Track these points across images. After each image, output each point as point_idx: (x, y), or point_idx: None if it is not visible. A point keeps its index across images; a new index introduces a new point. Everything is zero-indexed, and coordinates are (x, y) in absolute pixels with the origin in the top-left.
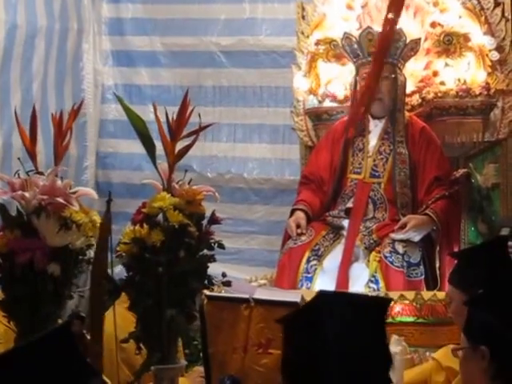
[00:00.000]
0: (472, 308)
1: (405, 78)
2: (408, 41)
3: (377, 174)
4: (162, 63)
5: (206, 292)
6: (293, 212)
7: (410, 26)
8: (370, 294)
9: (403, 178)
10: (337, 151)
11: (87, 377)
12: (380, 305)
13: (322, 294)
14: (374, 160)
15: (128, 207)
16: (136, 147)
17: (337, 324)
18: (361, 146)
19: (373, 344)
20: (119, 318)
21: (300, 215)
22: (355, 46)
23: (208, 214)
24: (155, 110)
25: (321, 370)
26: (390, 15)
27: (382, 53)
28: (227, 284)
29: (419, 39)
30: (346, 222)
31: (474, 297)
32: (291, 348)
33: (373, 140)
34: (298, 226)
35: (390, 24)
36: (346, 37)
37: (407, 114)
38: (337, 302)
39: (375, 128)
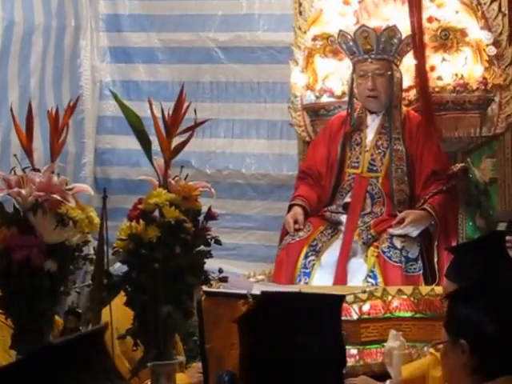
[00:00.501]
0: (452, 302)
1: (401, 75)
2: (403, 37)
3: (374, 168)
4: (159, 59)
5: (204, 288)
6: (290, 207)
7: (406, 21)
8: (368, 288)
9: (400, 175)
10: (334, 146)
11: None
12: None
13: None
14: (372, 154)
15: (126, 203)
16: (134, 143)
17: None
18: (358, 141)
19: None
20: (119, 311)
21: (298, 211)
22: (351, 43)
23: (205, 209)
24: (151, 105)
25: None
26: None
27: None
28: (224, 280)
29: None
30: (343, 218)
31: (454, 291)
32: (246, 348)
33: (370, 134)
34: (296, 222)
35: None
36: (342, 34)
37: (404, 108)
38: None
39: (372, 122)
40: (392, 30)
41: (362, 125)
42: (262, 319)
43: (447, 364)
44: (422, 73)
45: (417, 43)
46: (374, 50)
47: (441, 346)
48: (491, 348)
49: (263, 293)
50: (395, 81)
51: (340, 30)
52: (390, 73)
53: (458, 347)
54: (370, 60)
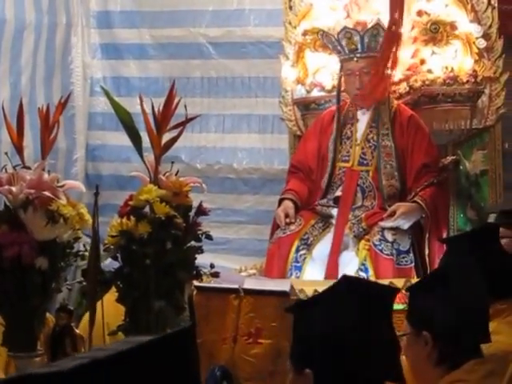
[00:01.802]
0: (413, 294)
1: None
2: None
3: (365, 161)
4: (150, 55)
5: (195, 282)
6: (281, 201)
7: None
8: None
9: (389, 171)
10: (325, 140)
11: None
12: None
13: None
14: (363, 148)
15: (118, 199)
16: (125, 139)
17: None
18: (349, 134)
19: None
20: (112, 307)
21: (288, 204)
22: (335, 43)
23: (197, 204)
24: (141, 102)
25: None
26: (396, 15)
27: (387, 53)
28: (215, 275)
29: None
30: (334, 211)
31: (415, 283)
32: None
33: (361, 128)
34: (287, 216)
35: (396, 24)
36: (325, 35)
37: (395, 102)
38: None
39: (363, 116)
40: (375, 28)
41: (352, 119)
42: (340, 301)
43: (412, 356)
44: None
45: (391, 36)
46: (359, 49)
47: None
48: (453, 337)
49: (344, 276)
50: None
51: (323, 31)
52: None
53: (421, 339)
54: (355, 59)
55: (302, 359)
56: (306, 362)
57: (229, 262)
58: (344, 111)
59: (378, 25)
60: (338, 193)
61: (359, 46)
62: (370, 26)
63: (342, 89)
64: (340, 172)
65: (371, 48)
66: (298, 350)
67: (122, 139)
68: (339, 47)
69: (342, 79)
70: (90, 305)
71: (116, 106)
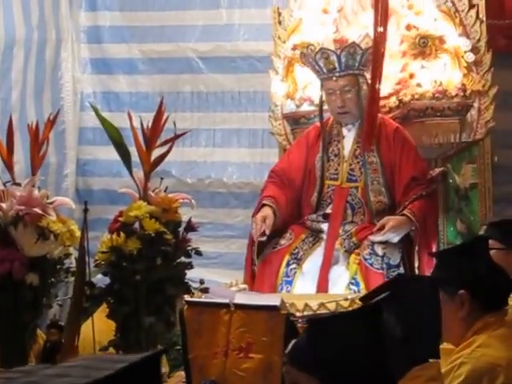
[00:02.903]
0: (444, 260)
1: (368, 86)
2: (368, 46)
3: (354, 178)
4: (140, 70)
5: (186, 297)
6: (259, 206)
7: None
8: (350, 296)
9: (377, 187)
10: (311, 156)
11: None
12: None
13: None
14: (351, 164)
15: (108, 214)
16: (115, 154)
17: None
18: (336, 152)
19: None
20: (102, 323)
21: (268, 213)
22: (313, 63)
23: (186, 218)
24: (130, 118)
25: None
26: (380, 29)
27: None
28: (204, 291)
29: None
30: (325, 226)
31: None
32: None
33: (347, 145)
34: (264, 220)
35: (381, 39)
36: (303, 55)
37: (379, 115)
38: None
39: (349, 133)
40: (352, 47)
41: (338, 135)
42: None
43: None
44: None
45: (376, 53)
46: (337, 68)
47: None
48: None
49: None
50: (362, 94)
51: (301, 52)
52: (356, 88)
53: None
54: (334, 78)
55: None
56: None
57: (220, 276)
58: (328, 127)
59: (354, 43)
60: (328, 210)
61: (337, 66)
62: (345, 45)
63: (325, 108)
64: (329, 190)
65: (349, 66)
66: None
67: (113, 154)
68: (317, 67)
69: (324, 98)
70: (71, 318)
71: (105, 122)
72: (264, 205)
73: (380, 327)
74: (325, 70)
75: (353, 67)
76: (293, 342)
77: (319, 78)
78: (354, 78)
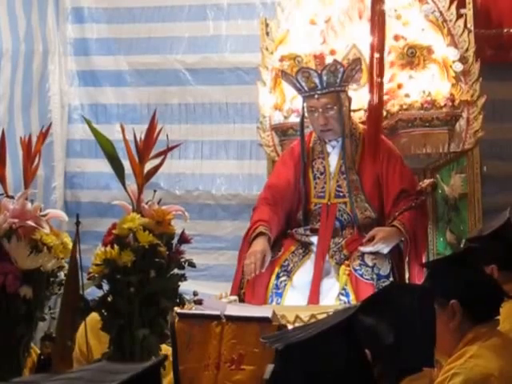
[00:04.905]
0: (435, 272)
1: (350, 101)
2: (350, 62)
3: (341, 194)
4: (127, 82)
5: (177, 310)
6: (253, 232)
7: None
8: (340, 306)
9: (360, 204)
10: (298, 172)
11: None
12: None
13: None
14: (337, 181)
15: (97, 226)
16: (103, 166)
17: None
18: (322, 170)
19: None
20: (96, 334)
21: (267, 248)
22: (295, 82)
23: (177, 231)
24: (123, 131)
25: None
26: (378, 79)
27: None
28: (198, 302)
29: (358, 58)
30: (314, 239)
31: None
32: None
33: (333, 162)
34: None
35: (378, 88)
36: (284, 74)
37: (361, 127)
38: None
39: (333, 150)
40: (333, 65)
41: (322, 153)
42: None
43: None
44: (376, 105)
45: (374, 63)
46: (319, 86)
47: None
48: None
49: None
50: (343, 111)
51: (282, 71)
52: (338, 105)
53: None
54: (316, 96)
55: None
56: None
57: (209, 288)
58: (311, 144)
59: (335, 61)
60: (317, 226)
61: (318, 84)
62: (326, 65)
63: (306, 125)
64: (316, 208)
65: (331, 84)
66: None
67: (101, 166)
68: (298, 85)
69: (306, 114)
70: (60, 330)
71: (99, 136)
72: (259, 233)
73: (355, 341)
74: (306, 89)
75: (334, 84)
76: (270, 367)
77: (301, 96)
78: (335, 95)
